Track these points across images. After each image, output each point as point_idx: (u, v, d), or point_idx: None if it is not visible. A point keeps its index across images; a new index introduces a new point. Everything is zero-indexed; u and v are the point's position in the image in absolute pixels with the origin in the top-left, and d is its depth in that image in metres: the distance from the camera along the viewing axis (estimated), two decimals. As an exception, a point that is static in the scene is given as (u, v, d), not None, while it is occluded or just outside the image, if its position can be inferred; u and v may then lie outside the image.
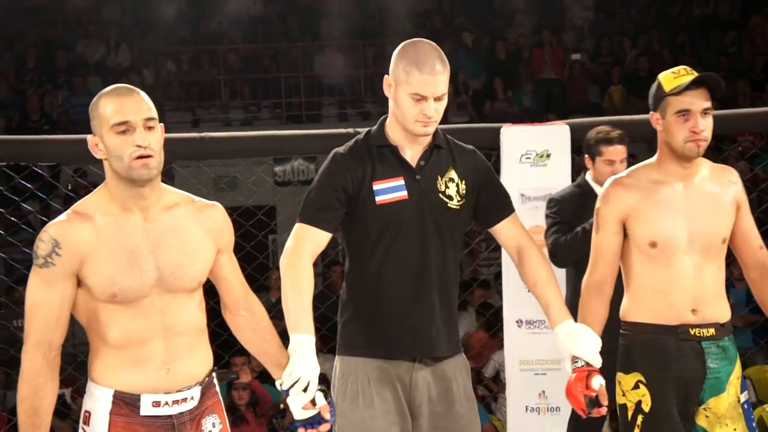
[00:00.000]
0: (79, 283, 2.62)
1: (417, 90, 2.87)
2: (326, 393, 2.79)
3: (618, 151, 4.42)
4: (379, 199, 2.94)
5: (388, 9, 12.92)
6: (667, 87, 3.11)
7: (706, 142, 3.10)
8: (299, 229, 2.93)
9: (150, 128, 2.60)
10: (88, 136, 2.65)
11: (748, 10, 13.09)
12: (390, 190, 2.95)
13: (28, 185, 5.63)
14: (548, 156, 4.67)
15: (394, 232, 2.95)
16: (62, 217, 2.63)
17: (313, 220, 2.91)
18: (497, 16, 13.31)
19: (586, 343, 2.94)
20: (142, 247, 2.63)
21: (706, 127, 3.09)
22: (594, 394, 2.89)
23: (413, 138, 2.95)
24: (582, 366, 2.92)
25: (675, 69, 3.15)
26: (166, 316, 2.65)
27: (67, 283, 2.60)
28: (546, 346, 4.53)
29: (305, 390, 2.70)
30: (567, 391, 2.96)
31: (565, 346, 2.96)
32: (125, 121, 2.57)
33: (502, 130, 4.71)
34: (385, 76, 2.96)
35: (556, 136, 4.69)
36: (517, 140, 4.69)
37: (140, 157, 2.57)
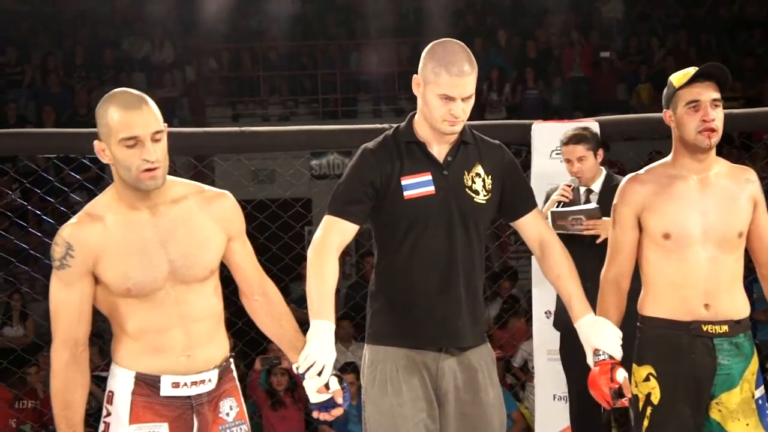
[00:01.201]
0: (96, 279, 2.67)
1: (445, 91, 2.89)
2: (341, 378, 2.82)
3: (569, 151, 4.47)
4: (407, 194, 2.96)
5: (422, 9, 13.01)
6: (677, 83, 3.16)
7: (717, 134, 3.13)
8: (327, 221, 2.95)
9: (157, 140, 2.62)
10: (96, 141, 2.67)
11: (775, 10, 13.08)
12: (418, 185, 2.98)
13: (77, 176, 5.93)
14: (578, 152, 4.61)
15: (422, 226, 2.97)
16: (74, 219, 2.67)
17: (341, 213, 2.95)
18: (528, 16, 13.36)
19: (608, 336, 2.97)
20: (152, 242, 2.67)
21: (716, 117, 3.12)
22: (618, 386, 2.94)
23: (441, 135, 2.98)
24: (605, 359, 2.96)
25: (684, 70, 3.21)
26: (182, 306, 2.70)
27: (84, 281, 2.65)
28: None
29: (320, 374, 2.72)
30: (591, 384, 2.99)
31: (588, 339, 2.99)
32: (134, 136, 2.58)
33: (533, 126, 4.74)
34: (414, 75, 2.99)
35: None
36: (548, 136, 4.70)
37: (148, 170, 2.61)
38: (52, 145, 4.80)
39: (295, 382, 6.63)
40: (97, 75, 12.42)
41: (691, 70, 3.17)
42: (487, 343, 3.13)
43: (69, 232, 2.64)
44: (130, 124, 2.58)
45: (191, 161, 6.79)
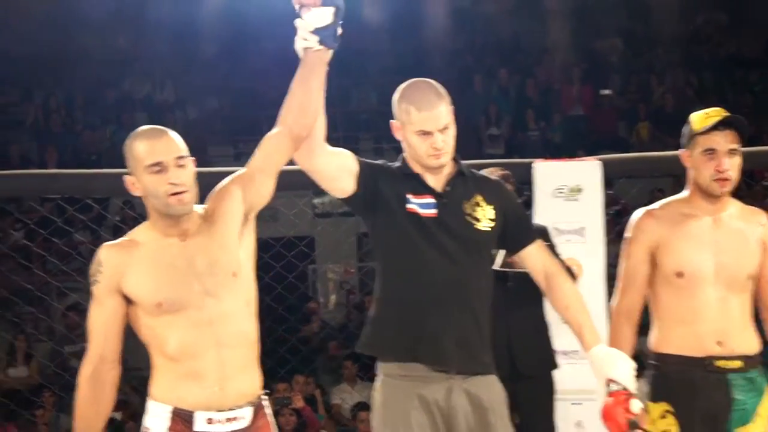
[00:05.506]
0: (129, 300, 2.77)
1: (421, 127, 2.96)
2: None
3: None
4: (409, 206, 3.00)
5: (421, 48, 13.06)
6: (697, 126, 3.19)
7: (731, 182, 3.18)
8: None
9: (181, 166, 2.75)
10: (126, 176, 2.80)
11: (773, 49, 13.12)
12: (422, 207, 3.01)
13: (81, 216, 5.90)
14: (580, 191, 4.70)
15: (424, 249, 2.98)
16: (113, 242, 2.83)
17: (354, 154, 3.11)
18: (527, 54, 13.44)
19: (622, 366, 2.94)
20: (180, 260, 2.76)
21: (731, 166, 3.16)
22: (634, 416, 2.90)
23: (432, 170, 3.04)
24: (619, 390, 2.92)
25: (707, 110, 3.22)
26: (216, 326, 2.75)
27: (113, 299, 2.76)
28: (582, 376, 4.40)
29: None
30: (606, 414, 2.93)
31: (601, 370, 2.95)
32: (158, 162, 2.72)
33: (534, 165, 4.76)
34: (392, 121, 3.05)
35: (587, 171, 4.73)
36: (550, 175, 4.74)
37: (175, 194, 2.72)
38: (56, 186, 4.82)
39: (304, 423, 6.60)
40: (99, 115, 12.47)
41: (713, 114, 3.20)
42: (496, 378, 3.10)
43: (103, 251, 2.80)
44: (154, 151, 2.74)
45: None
